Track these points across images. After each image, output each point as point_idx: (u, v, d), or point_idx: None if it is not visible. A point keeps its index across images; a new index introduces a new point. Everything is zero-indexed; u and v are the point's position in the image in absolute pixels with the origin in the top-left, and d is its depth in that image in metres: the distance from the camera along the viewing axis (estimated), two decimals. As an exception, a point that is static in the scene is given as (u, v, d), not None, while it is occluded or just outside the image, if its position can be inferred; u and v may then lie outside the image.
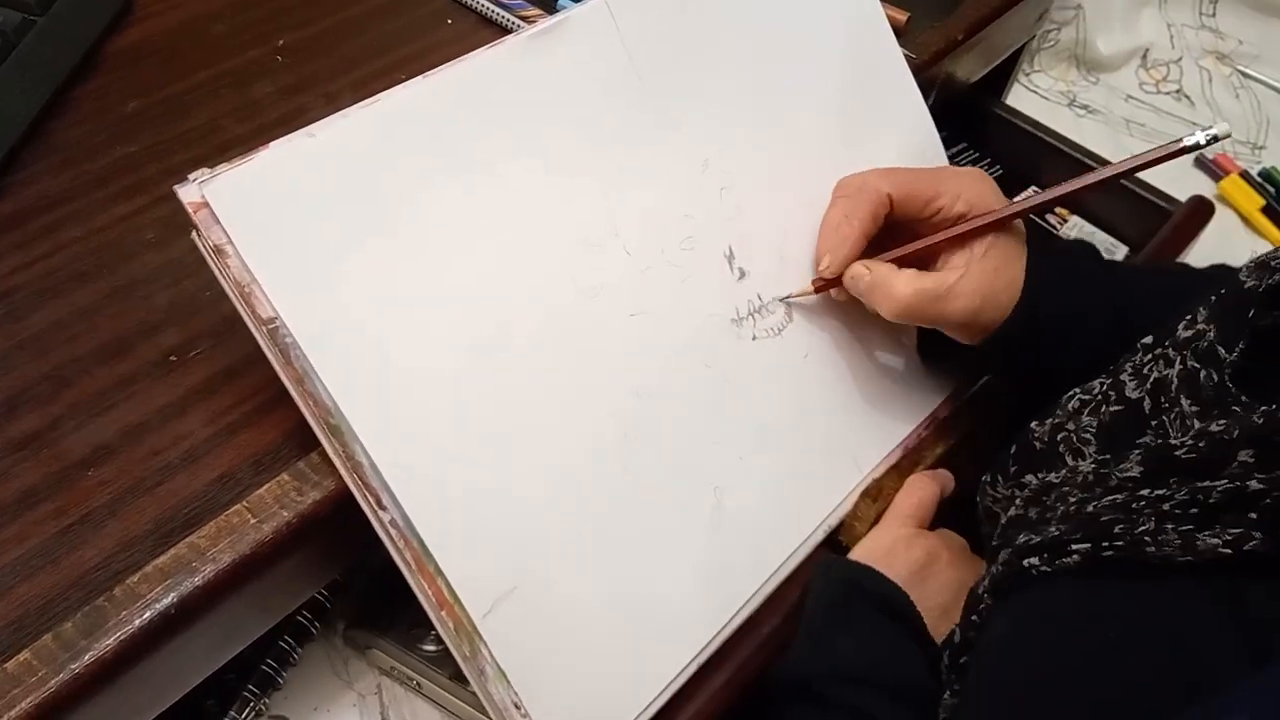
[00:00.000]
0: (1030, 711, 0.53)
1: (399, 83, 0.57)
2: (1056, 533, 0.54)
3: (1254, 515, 0.46)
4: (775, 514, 0.70)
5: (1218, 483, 0.48)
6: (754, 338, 0.70)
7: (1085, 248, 0.75)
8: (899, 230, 0.72)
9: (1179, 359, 0.58)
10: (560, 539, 0.60)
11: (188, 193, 0.50)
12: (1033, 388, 0.71)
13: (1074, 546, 0.53)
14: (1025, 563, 0.56)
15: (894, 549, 0.71)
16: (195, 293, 0.64)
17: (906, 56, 0.81)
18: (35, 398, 0.58)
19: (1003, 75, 1.23)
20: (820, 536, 0.72)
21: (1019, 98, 1.38)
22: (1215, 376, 0.54)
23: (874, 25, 0.80)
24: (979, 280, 0.68)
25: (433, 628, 0.56)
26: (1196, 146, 0.64)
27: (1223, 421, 0.50)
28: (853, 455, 0.75)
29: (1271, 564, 0.46)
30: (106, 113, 0.74)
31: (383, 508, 0.53)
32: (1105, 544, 0.51)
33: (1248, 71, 1.49)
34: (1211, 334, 0.57)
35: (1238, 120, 1.44)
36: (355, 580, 0.76)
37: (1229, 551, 0.46)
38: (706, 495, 0.66)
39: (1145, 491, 0.51)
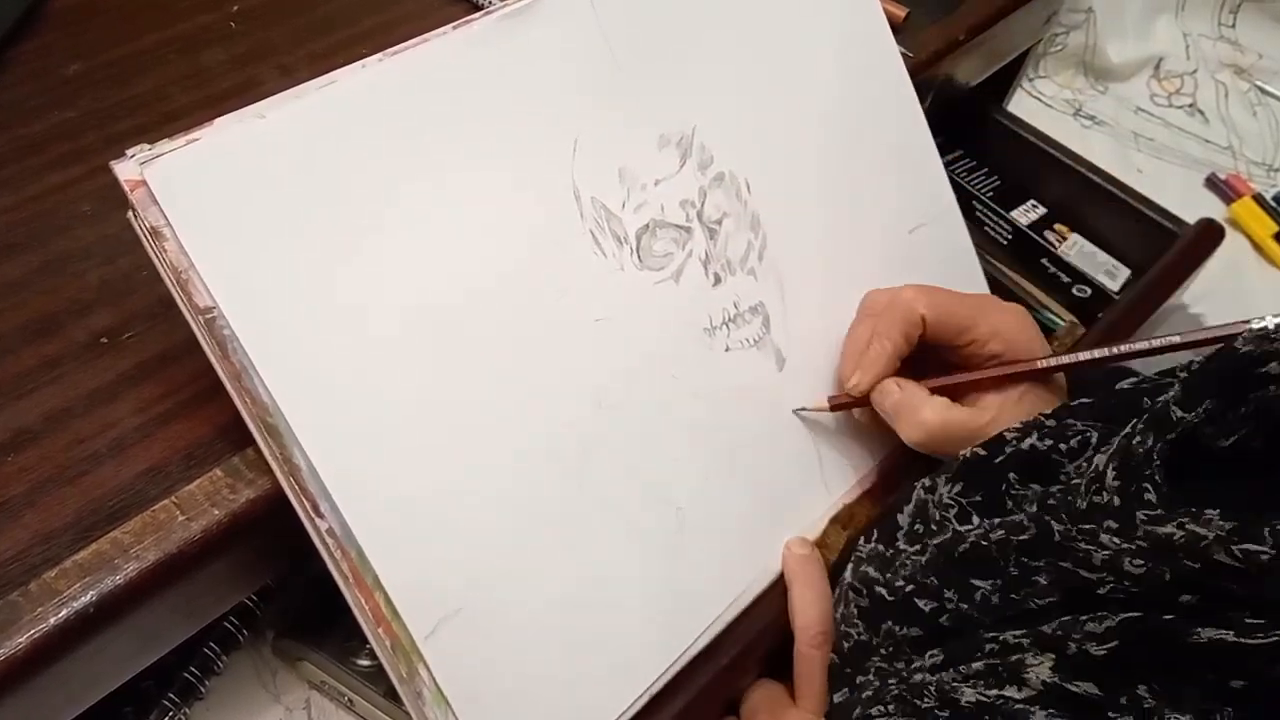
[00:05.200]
0: None
1: (360, 57, 0.58)
2: None
3: None
4: (739, 538, 0.71)
5: None
6: (727, 349, 0.71)
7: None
8: (924, 351, 0.73)
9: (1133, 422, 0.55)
10: (510, 557, 0.60)
11: (125, 170, 0.50)
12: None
13: None
14: None
15: None
16: (131, 271, 0.64)
17: (903, 55, 0.82)
18: (-47, 377, 0.58)
19: (1005, 80, 1.24)
20: (786, 563, 0.73)
21: (1021, 104, 1.39)
22: (1151, 440, 0.52)
23: (869, 19, 0.80)
24: (1008, 423, 0.68)
25: (369, 641, 0.57)
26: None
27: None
28: (824, 478, 0.76)
29: None
30: (46, 74, 0.74)
31: (320, 515, 0.53)
32: None
33: (1266, 88, 1.50)
34: (1172, 394, 0.53)
35: (1253, 139, 1.45)
36: (288, 587, 0.76)
37: None
38: (668, 516, 0.67)
39: None
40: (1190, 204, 1.17)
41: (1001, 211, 1.16)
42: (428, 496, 0.57)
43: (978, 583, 0.59)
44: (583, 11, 0.65)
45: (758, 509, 0.72)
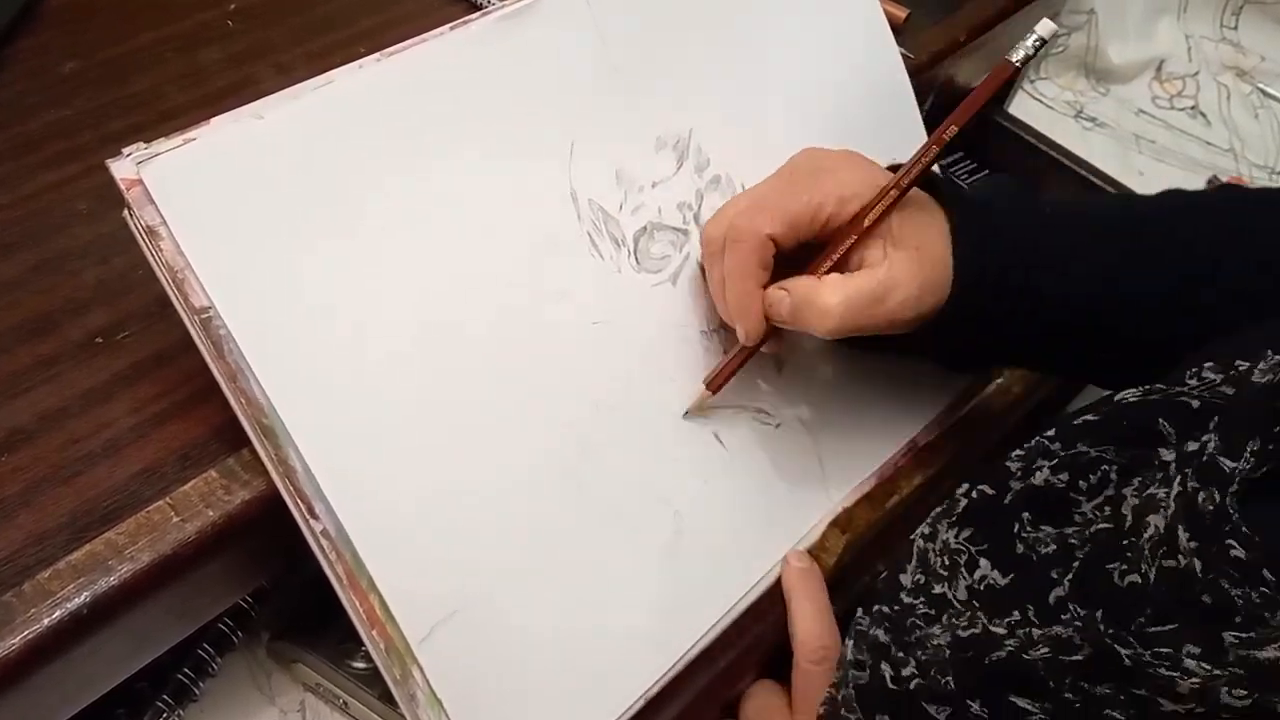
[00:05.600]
0: None
1: (358, 57, 0.58)
2: None
3: None
4: (737, 542, 0.71)
5: None
6: (725, 352, 0.71)
7: (1010, 190, 0.72)
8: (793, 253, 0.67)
9: (1178, 478, 0.51)
10: (507, 560, 0.60)
11: (121, 168, 0.50)
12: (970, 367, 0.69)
13: None
14: None
15: None
16: (126, 271, 0.64)
17: (904, 56, 0.82)
18: (-53, 377, 0.58)
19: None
20: (784, 567, 0.73)
21: (1023, 106, 1.38)
22: (1217, 496, 0.48)
23: (870, 20, 0.81)
24: (908, 265, 0.64)
25: (364, 644, 0.57)
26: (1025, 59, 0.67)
27: None
28: (823, 482, 0.76)
29: None
30: (43, 72, 0.74)
31: (315, 516, 0.54)
32: None
33: (1268, 90, 1.50)
34: (1213, 444, 0.50)
35: (1255, 141, 1.45)
36: (283, 588, 0.76)
37: None
38: (665, 519, 0.67)
39: None
40: (1192, 207, 1.16)
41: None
42: (424, 498, 0.57)
43: (1020, 703, 0.52)
44: (580, 13, 0.65)
45: (757, 512, 0.72)
